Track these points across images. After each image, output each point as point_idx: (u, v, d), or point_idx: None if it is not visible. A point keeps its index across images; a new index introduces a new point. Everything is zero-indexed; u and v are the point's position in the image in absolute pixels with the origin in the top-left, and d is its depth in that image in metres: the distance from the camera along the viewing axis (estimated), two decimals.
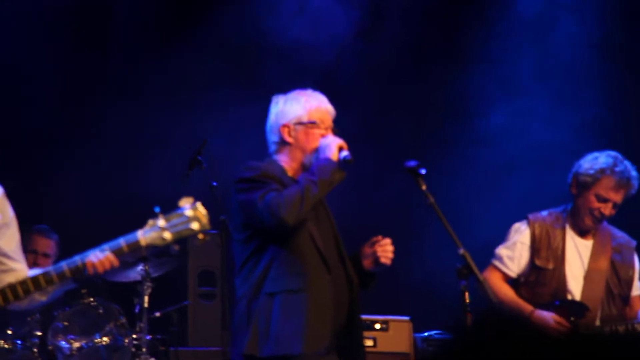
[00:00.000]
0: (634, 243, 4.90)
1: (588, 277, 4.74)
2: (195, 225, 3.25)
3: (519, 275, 4.82)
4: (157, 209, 3.31)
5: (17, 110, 6.88)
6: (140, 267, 5.85)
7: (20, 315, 5.42)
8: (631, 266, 4.83)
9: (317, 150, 3.91)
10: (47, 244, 6.11)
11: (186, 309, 6.48)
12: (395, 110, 7.48)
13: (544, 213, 4.85)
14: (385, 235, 3.94)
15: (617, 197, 4.69)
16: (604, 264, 4.76)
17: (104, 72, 7.17)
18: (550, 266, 4.74)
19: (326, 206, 4.06)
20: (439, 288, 5.10)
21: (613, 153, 4.76)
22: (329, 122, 4.01)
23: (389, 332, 5.80)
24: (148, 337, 5.72)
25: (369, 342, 5.74)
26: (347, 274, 3.95)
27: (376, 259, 3.97)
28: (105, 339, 5.62)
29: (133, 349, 5.66)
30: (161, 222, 3.25)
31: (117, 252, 3.33)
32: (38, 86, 6.88)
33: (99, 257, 3.37)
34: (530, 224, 4.80)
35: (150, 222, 3.27)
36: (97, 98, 7.07)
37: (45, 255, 6.12)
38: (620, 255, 4.81)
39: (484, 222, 6.35)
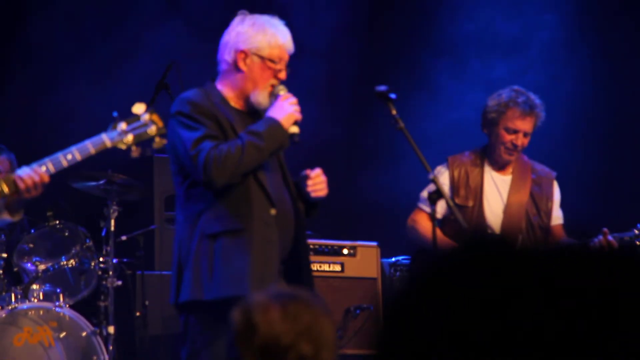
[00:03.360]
0: (554, 174, 5.02)
1: (507, 210, 4.86)
2: (153, 129, 3.35)
3: (443, 215, 4.89)
4: (115, 114, 3.36)
5: None
6: (102, 182, 5.71)
7: None
8: (550, 197, 4.95)
9: (271, 106, 3.77)
10: (1, 163, 5.96)
11: (153, 233, 6.46)
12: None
13: (466, 154, 4.96)
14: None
15: (526, 126, 4.78)
16: (523, 197, 4.88)
17: None
18: (470, 203, 4.86)
19: None
20: (407, 213, 5.11)
21: (515, 87, 4.87)
22: (286, 60, 3.84)
23: (356, 257, 5.82)
24: (114, 261, 5.71)
25: (336, 267, 5.77)
26: (292, 201, 3.87)
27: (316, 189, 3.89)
28: (71, 261, 5.60)
29: (99, 272, 5.65)
30: (122, 125, 3.32)
31: (85, 154, 3.34)
32: None
33: (27, 172, 3.32)
34: (450, 165, 4.92)
35: (113, 125, 3.33)
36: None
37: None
38: (539, 187, 4.93)
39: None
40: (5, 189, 3.36)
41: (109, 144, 3.32)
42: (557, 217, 4.98)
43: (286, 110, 3.72)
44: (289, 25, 3.94)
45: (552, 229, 4.97)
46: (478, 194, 4.86)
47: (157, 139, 3.37)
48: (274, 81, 3.81)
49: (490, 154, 4.90)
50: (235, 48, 3.79)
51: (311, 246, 5.75)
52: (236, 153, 3.59)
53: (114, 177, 5.69)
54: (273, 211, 3.74)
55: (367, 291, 5.78)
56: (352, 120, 7.33)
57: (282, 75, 3.82)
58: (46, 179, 3.40)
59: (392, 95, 3.85)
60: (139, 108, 3.35)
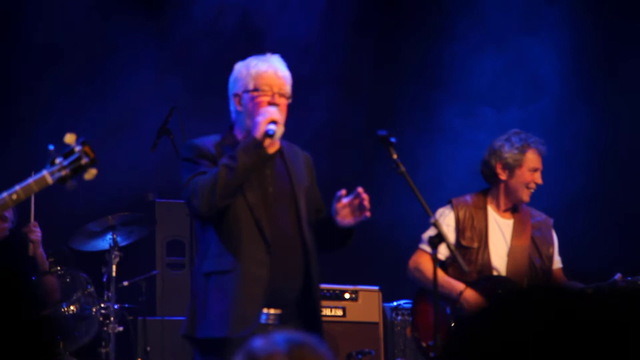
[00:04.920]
0: (551, 221, 5.12)
1: (511, 253, 4.93)
2: (86, 160, 3.38)
3: (447, 257, 4.93)
4: (51, 147, 3.41)
5: None
6: (108, 236, 5.81)
7: None
8: (551, 243, 5.04)
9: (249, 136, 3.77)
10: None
11: (154, 278, 6.46)
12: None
13: (467, 196, 5.03)
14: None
15: (540, 163, 4.96)
16: (525, 240, 4.96)
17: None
18: (475, 245, 4.90)
19: (289, 167, 3.93)
20: (408, 257, 5.11)
21: (512, 130, 5.00)
22: (278, 87, 3.82)
23: (358, 301, 5.82)
24: (116, 307, 5.70)
25: (338, 312, 5.76)
26: (302, 239, 3.83)
27: (354, 211, 3.76)
28: (72, 307, 5.60)
29: (101, 318, 5.64)
30: (60, 160, 3.37)
31: (27, 191, 3.38)
32: None
33: None
34: (455, 207, 4.96)
35: (52, 160, 3.38)
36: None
37: (3, 219, 6.04)
38: (540, 232, 5.02)
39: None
40: None
41: (50, 181, 3.38)
42: (557, 260, 5.09)
43: (257, 120, 3.71)
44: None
45: (553, 273, 5.03)
46: (483, 236, 4.91)
47: (89, 170, 3.40)
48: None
49: (500, 197, 4.99)
50: (231, 94, 3.90)
51: None
52: (211, 179, 3.66)
53: (115, 221, 5.72)
54: (265, 251, 3.71)
55: (369, 336, 5.77)
56: (355, 165, 7.36)
57: (275, 100, 3.81)
58: None
59: (393, 139, 3.87)
60: (70, 138, 3.41)
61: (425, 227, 4.79)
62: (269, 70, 3.84)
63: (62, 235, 5.92)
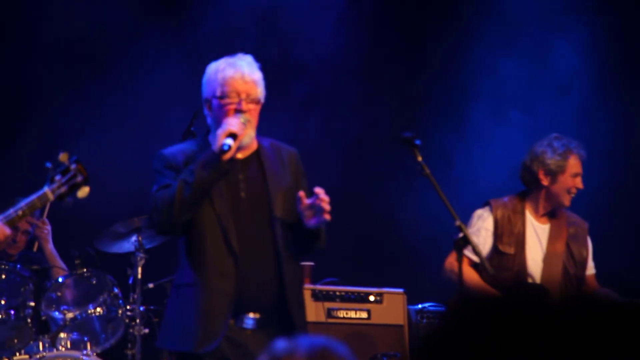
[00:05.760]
0: (586, 225, 5.11)
1: (547, 260, 4.92)
2: (80, 178, 3.50)
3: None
4: (48, 164, 3.50)
5: None
6: (133, 238, 5.83)
7: (13, 286, 5.41)
8: (585, 247, 5.03)
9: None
10: (29, 221, 6.07)
11: None
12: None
13: (505, 199, 5.01)
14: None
15: (581, 168, 4.97)
16: (560, 246, 4.95)
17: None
18: (512, 251, 4.90)
19: (266, 169, 3.82)
20: (433, 260, 5.10)
21: (553, 135, 5.00)
22: (246, 93, 3.74)
23: (383, 304, 5.80)
24: (141, 308, 5.72)
25: (363, 315, 5.75)
26: (274, 244, 3.74)
27: (315, 211, 3.64)
28: (98, 309, 5.61)
29: (126, 320, 5.66)
30: (58, 177, 3.49)
31: (31, 207, 3.50)
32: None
33: None
34: (493, 210, 4.95)
35: (51, 178, 3.49)
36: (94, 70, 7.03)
37: (25, 233, 6.09)
38: (575, 237, 5.01)
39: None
40: None
41: (51, 197, 3.50)
42: (591, 267, 5.07)
43: (218, 133, 3.62)
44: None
45: (586, 279, 5.01)
46: (520, 242, 4.91)
47: (82, 188, 3.51)
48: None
49: (539, 202, 4.96)
50: (203, 99, 3.85)
51: (337, 293, 5.74)
52: (169, 194, 3.62)
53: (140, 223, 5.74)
54: (231, 262, 3.66)
55: (393, 338, 5.75)
56: (381, 165, 7.33)
57: (242, 106, 3.72)
58: (6, 233, 3.55)
59: (417, 142, 3.86)
60: (64, 157, 3.51)
61: (452, 229, 4.77)
62: (236, 75, 3.75)
63: (87, 237, 5.95)
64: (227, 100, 3.73)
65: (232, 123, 3.64)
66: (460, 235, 3.81)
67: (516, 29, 7.21)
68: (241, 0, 7.08)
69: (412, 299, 5.96)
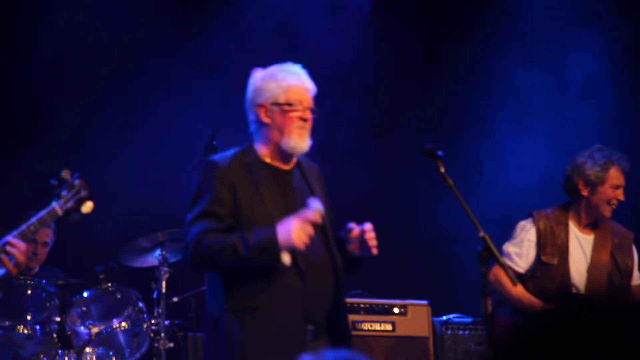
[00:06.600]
0: (631, 235, 5.11)
1: (591, 270, 4.92)
2: (84, 193, 3.55)
3: (526, 271, 4.94)
4: (53, 181, 3.54)
5: None
6: (157, 252, 5.85)
7: (39, 301, 5.43)
8: (630, 257, 5.02)
9: (286, 221, 3.54)
10: (47, 233, 6.10)
11: (204, 294, 6.47)
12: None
13: (548, 210, 5.02)
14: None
15: (623, 180, 4.96)
16: (605, 256, 4.95)
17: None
18: (555, 261, 4.91)
19: (313, 185, 3.84)
20: (457, 271, 5.08)
21: (596, 146, 5.00)
22: (307, 102, 3.78)
23: (407, 316, 5.79)
24: (166, 323, 5.73)
25: (387, 327, 5.74)
26: (332, 258, 3.74)
27: (362, 245, 3.71)
28: (123, 324, 5.63)
29: (151, 334, 5.67)
30: (65, 193, 3.54)
31: (42, 222, 3.56)
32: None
33: (12, 251, 3.52)
34: (536, 222, 4.96)
35: (58, 194, 3.54)
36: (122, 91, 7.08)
37: (45, 244, 6.12)
38: (620, 247, 5.00)
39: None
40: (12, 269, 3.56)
41: (60, 212, 3.56)
42: (636, 277, 5.06)
43: (290, 235, 3.51)
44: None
45: (632, 289, 5.01)
46: (563, 252, 4.91)
47: (86, 203, 3.55)
48: (300, 123, 3.76)
49: (581, 213, 4.96)
50: (255, 104, 3.81)
51: (361, 305, 5.73)
52: (215, 251, 3.53)
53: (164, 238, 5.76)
54: (298, 281, 3.60)
55: (418, 350, 5.73)
56: (406, 175, 7.32)
57: (306, 115, 3.76)
58: (23, 248, 3.60)
59: (440, 153, 3.84)
60: (67, 174, 3.57)
61: (475, 241, 4.76)
62: (299, 84, 3.78)
63: (112, 252, 5.97)
64: (291, 108, 3.74)
65: (301, 239, 3.52)
66: (484, 246, 3.78)
67: (535, 39, 7.20)
68: (261, 18, 7.10)
69: (436, 311, 5.94)
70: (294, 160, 3.86)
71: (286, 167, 3.83)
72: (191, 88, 7.12)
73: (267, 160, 3.80)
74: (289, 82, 3.77)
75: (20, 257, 3.55)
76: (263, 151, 3.80)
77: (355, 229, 3.71)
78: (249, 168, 3.73)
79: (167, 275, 5.78)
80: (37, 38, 6.84)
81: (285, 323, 3.60)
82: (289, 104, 3.75)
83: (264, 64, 3.95)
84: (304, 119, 3.76)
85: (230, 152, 3.81)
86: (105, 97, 7.02)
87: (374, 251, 3.72)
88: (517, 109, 7.18)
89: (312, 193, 3.80)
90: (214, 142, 6.07)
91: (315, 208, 3.60)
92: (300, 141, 3.76)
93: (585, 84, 7.14)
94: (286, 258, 3.55)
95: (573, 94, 7.17)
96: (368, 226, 3.70)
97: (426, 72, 7.51)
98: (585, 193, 4.93)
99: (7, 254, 3.52)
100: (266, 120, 3.78)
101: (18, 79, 6.83)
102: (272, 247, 3.52)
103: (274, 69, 3.85)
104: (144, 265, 5.99)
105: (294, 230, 3.51)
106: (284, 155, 3.80)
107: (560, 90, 7.17)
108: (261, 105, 3.78)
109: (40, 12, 6.89)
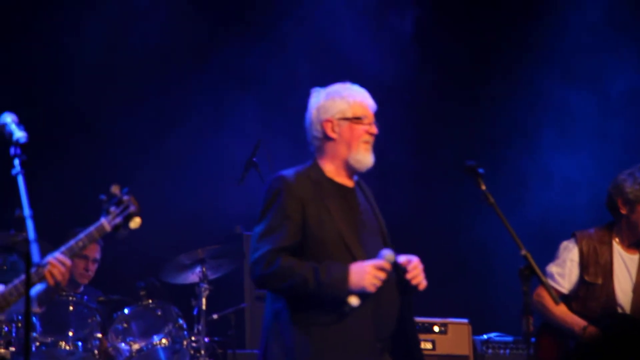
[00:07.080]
0: None
1: (637, 290, 4.86)
2: (133, 208, 3.51)
3: (570, 291, 4.90)
4: (102, 197, 3.53)
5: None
6: (198, 270, 5.87)
7: (81, 318, 5.47)
8: None
9: (361, 264, 3.59)
10: (96, 249, 6.15)
11: (243, 311, 6.50)
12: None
13: (591, 230, 4.98)
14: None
15: None
16: None
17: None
18: (600, 281, 4.86)
19: (373, 204, 3.89)
20: (498, 290, 5.05)
21: (638, 165, 4.92)
22: (371, 117, 3.83)
23: (447, 334, 5.75)
24: (206, 340, 5.75)
25: (427, 345, 5.70)
26: (397, 275, 3.73)
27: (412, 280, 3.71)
28: (164, 341, 5.65)
29: (191, 351, 5.68)
30: (113, 209, 3.53)
31: (90, 238, 3.55)
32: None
33: (55, 265, 3.52)
34: (579, 242, 4.92)
35: (106, 210, 3.53)
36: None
37: (95, 261, 6.17)
38: None
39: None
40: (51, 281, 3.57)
41: (108, 228, 3.55)
42: None
43: (363, 278, 3.57)
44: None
45: None
46: (608, 272, 4.86)
47: (134, 219, 3.52)
48: (366, 137, 3.81)
49: (624, 232, 4.91)
50: (321, 121, 3.82)
51: None
52: (286, 277, 3.56)
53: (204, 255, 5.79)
54: (354, 300, 3.57)
55: None
56: (448, 193, 7.29)
57: (373, 129, 3.82)
58: (69, 264, 3.60)
59: (480, 170, 3.82)
60: (116, 189, 3.55)
61: (517, 259, 4.72)
62: (365, 101, 3.84)
63: (152, 269, 6.01)
64: (359, 122, 3.80)
65: (372, 284, 3.57)
66: (526, 265, 3.75)
67: (576, 56, 7.16)
68: (301, 35, 7.12)
69: (477, 329, 5.89)
70: (355, 178, 3.88)
71: (350, 185, 3.85)
72: (228, 104, 7.16)
73: (333, 177, 3.82)
74: (355, 97, 3.84)
75: (64, 274, 3.56)
76: (328, 168, 3.82)
77: (407, 267, 3.70)
78: (316, 184, 3.75)
79: (207, 292, 5.80)
80: (76, 56, 6.92)
81: (355, 340, 3.61)
82: (358, 118, 3.80)
83: (303, 81, 3.97)
84: (370, 134, 3.82)
85: (295, 169, 3.83)
86: (146, 114, 7.07)
87: (421, 288, 3.72)
88: (561, 125, 7.13)
89: (374, 211, 3.86)
90: (254, 159, 6.11)
91: (387, 256, 3.63)
92: (366, 155, 3.81)
93: (626, 97, 7.08)
94: (354, 300, 3.57)
95: (613, 107, 7.11)
96: (412, 265, 3.69)
97: (470, 89, 7.49)
98: (624, 211, 4.88)
99: (52, 269, 3.53)
100: (333, 135, 3.81)
101: (61, 95, 6.90)
102: (342, 289, 3.56)
103: (336, 86, 3.90)
104: (184, 282, 6.02)
105: (368, 275, 3.56)
106: (349, 171, 3.84)
107: (601, 105, 7.11)
108: (328, 121, 3.81)
109: (76, 28, 6.96)
